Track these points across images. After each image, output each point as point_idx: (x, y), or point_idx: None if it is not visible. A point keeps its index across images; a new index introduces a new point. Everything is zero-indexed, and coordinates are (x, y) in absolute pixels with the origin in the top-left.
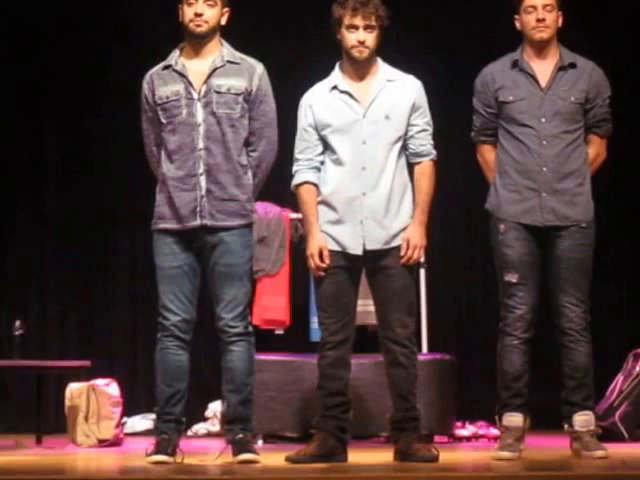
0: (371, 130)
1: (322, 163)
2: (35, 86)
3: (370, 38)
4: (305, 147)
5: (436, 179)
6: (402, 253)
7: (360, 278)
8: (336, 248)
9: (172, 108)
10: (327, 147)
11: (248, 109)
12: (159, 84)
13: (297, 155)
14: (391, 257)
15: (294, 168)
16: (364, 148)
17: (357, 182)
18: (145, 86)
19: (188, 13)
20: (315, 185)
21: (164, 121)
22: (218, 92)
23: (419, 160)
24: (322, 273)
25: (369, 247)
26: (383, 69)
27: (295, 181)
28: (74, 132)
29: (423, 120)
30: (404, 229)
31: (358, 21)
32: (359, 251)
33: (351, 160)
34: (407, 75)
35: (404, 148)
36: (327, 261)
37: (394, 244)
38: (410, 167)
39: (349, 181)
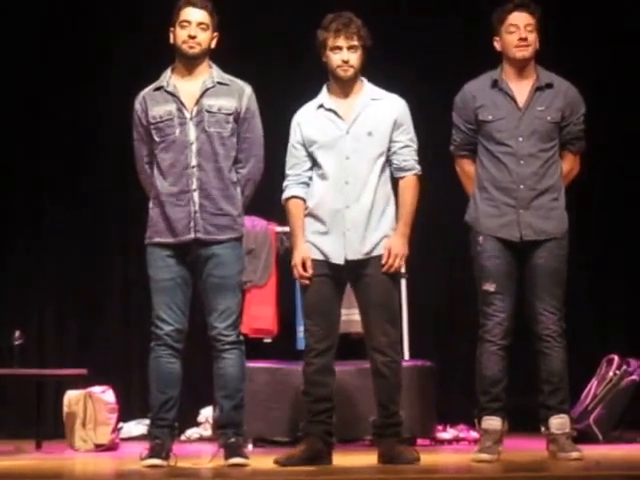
0: (354, 146)
1: (310, 178)
2: (31, 95)
3: (354, 57)
4: (294, 163)
5: (419, 193)
6: (383, 261)
7: (344, 288)
8: (320, 257)
9: (165, 127)
10: (315, 163)
11: (237, 128)
12: (152, 104)
13: (287, 171)
14: (372, 267)
15: (284, 183)
16: (347, 163)
17: (340, 195)
18: (137, 106)
19: (181, 35)
20: (302, 199)
21: (157, 139)
22: (209, 112)
23: (402, 175)
24: (306, 282)
25: (350, 257)
26: (368, 88)
27: (284, 195)
28: (70, 147)
29: (406, 137)
30: (384, 239)
31: (341, 42)
32: (341, 261)
33: (335, 174)
34: (391, 94)
35: (388, 163)
36: (310, 271)
37: (375, 254)
38: (394, 181)
39: (333, 194)
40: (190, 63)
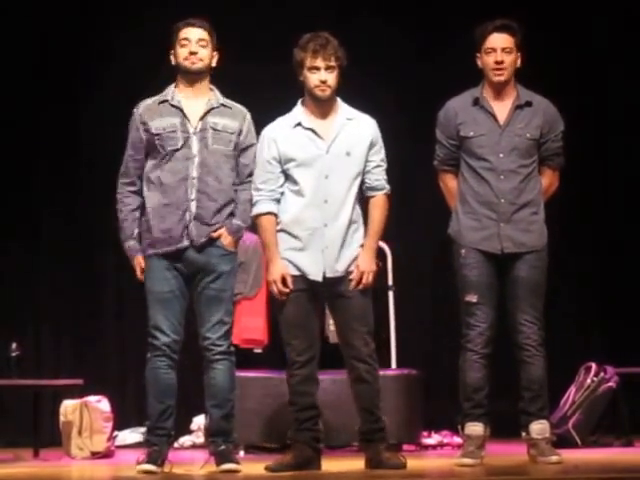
0: (333, 165)
1: (282, 194)
2: (28, 110)
3: (331, 78)
4: (268, 178)
5: (388, 211)
6: (352, 277)
7: (323, 301)
8: (297, 273)
9: (168, 139)
10: (288, 179)
11: (238, 148)
12: (154, 116)
13: (259, 185)
14: (348, 283)
15: (255, 197)
16: (327, 182)
17: (319, 214)
18: (137, 117)
19: (182, 53)
20: (275, 215)
21: (160, 151)
22: (215, 129)
23: (374, 194)
24: (284, 298)
25: (328, 274)
26: (343, 108)
27: (257, 210)
28: (67, 163)
29: (379, 157)
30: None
31: (319, 62)
32: (319, 278)
33: (313, 193)
34: (363, 114)
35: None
36: (291, 286)
37: (351, 270)
38: (364, 199)
39: (311, 212)
40: (193, 80)
